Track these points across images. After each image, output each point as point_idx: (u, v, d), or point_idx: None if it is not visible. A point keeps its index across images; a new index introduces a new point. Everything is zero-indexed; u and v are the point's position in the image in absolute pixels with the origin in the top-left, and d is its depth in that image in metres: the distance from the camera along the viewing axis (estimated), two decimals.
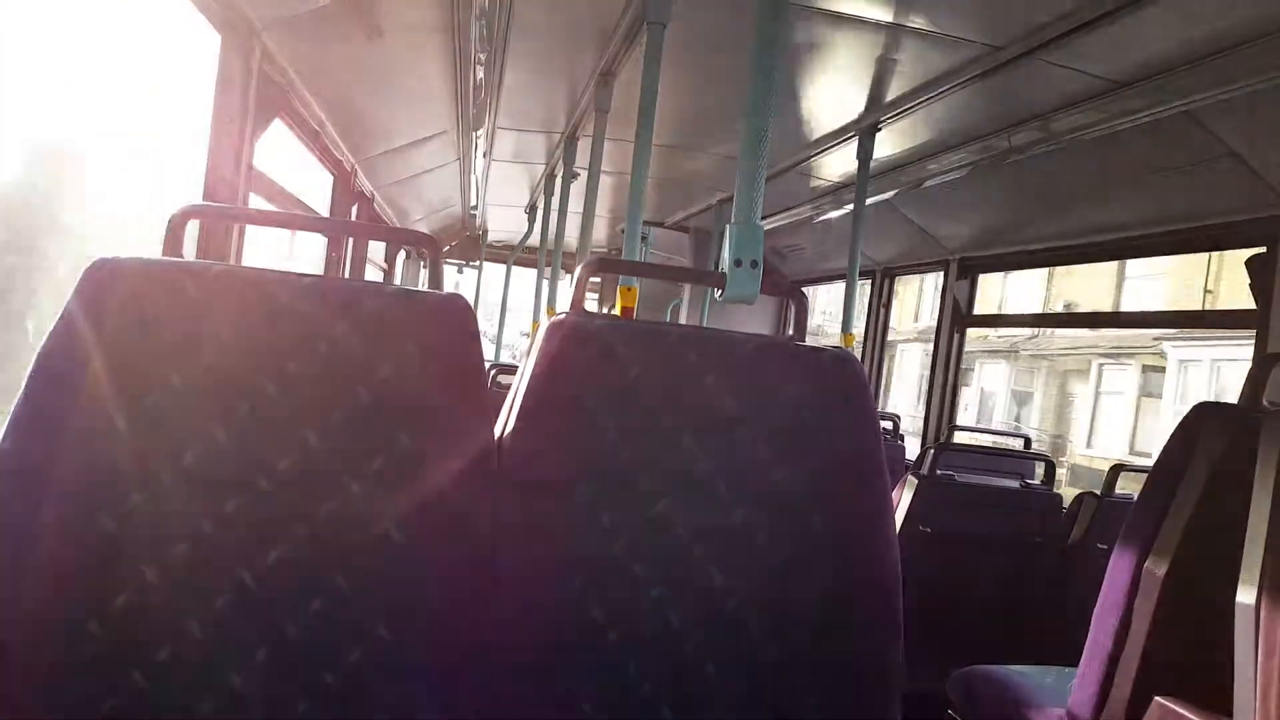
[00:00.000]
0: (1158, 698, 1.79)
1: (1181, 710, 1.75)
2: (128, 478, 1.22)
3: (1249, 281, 2.85)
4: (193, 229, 2.43)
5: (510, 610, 1.31)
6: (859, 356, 5.44)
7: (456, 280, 9.89)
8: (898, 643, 1.43)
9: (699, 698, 1.36)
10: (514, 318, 9.92)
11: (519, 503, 1.34)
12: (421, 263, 8.49)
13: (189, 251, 1.44)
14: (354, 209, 4.60)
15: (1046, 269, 16.30)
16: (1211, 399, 2.49)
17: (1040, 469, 3.48)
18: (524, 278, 8.97)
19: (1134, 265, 15.73)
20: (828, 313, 18.06)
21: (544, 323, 1.44)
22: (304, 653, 1.24)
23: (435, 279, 1.48)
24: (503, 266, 9.49)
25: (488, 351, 9.53)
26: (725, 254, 1.72)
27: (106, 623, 1.20)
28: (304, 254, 5.19)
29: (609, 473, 1.37)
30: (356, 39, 2.98)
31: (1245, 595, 1.62)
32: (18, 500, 1.19)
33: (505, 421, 1.41)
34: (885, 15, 2.64)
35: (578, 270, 1.59)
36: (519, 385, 1.42)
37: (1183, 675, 1.80)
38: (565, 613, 1.33)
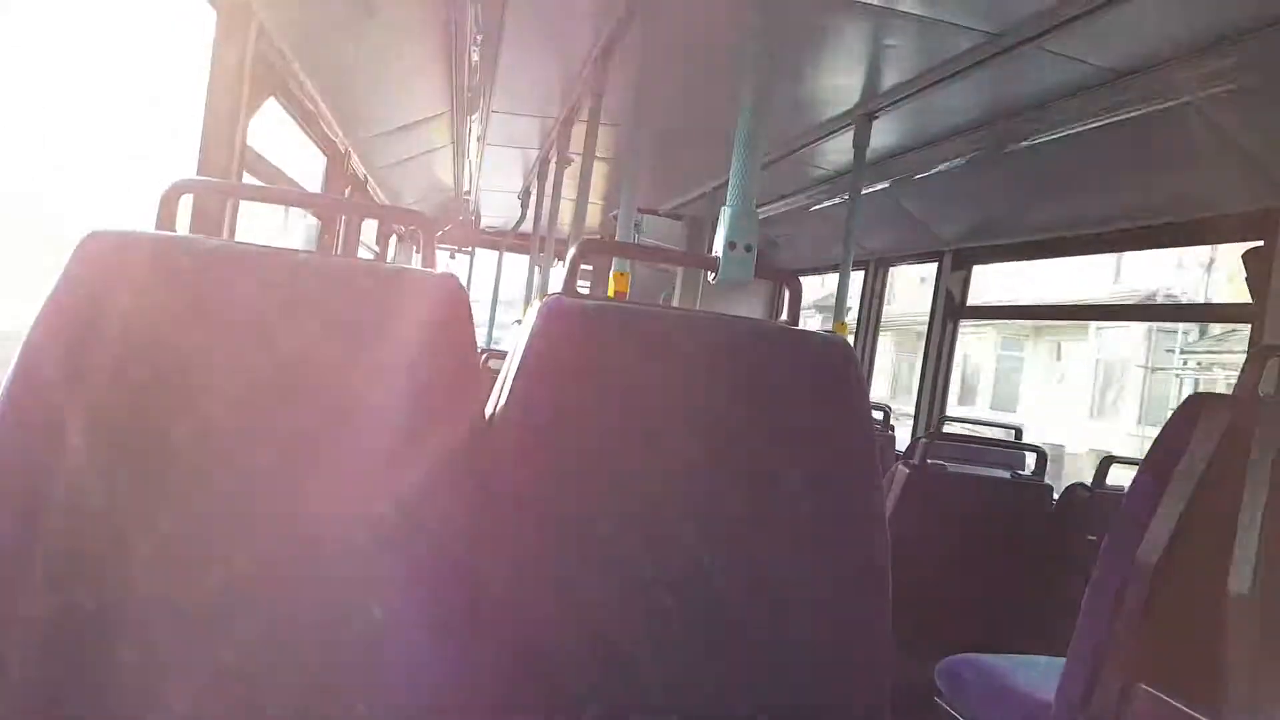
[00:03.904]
0: (1143, 685, 1.80)
1: (1166, 698, 1.76)
2: (120, 454, 1.21)
3: (1245, 275, 2.85)
4: (186, 208, 2.42)
5: (501, 587, 1.30)
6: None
7: (448, 265, 9.84)
8: (886, 629, 1.42)
9: (689, 678, 1.36)
10: (503, 309, 9.89)
11: (510, 483, 1.33)
12: (414, 246, 8.45)
13: (183, 230, 1.43)
14: (347, 192, 4.58)
15: None
16: None
17: (1031, 460, 3.48)
18: (517, 265, 8.95)
19: None
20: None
21: (535, 306, 1.43)
22: (298, 630, 1.23)
23: (428, 259, 1.47)
24: (495, 253, 9.47)
25: (480, 338, 9.52)
26: (719, 236, 1.71)
27: (96, 599, 1.18)
28: (296, 240, 5.16)
29: (599, 454, 1.37)
30: (352, 19, 2.95)
31: (1239, 585, 1.63)
32: (13, 476, 1.18)
33: (496, 402, 1.40)
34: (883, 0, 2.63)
35: (570, 253, 1.59)
36: (510, 366, 1.41)
37: (1171, 665, 1.80)
38: (557, 592, 1.32)
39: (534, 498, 1.35)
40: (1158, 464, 1.91)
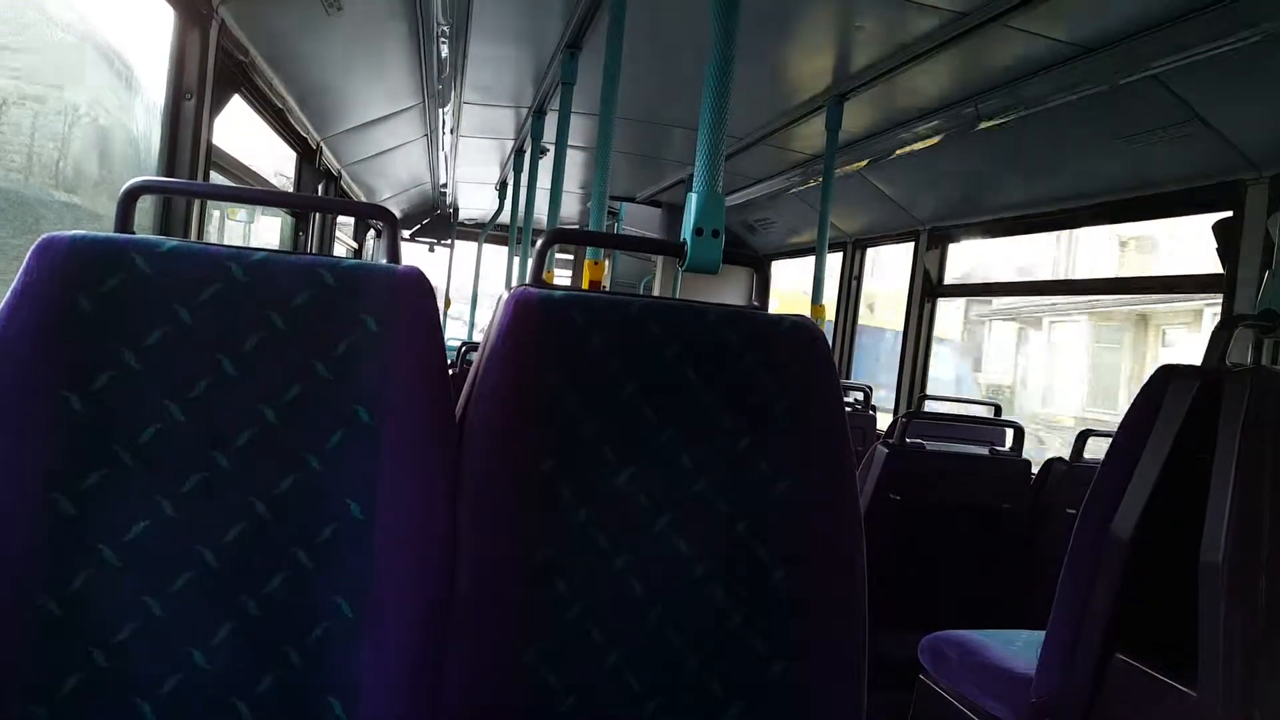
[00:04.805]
0: (1119, 654, 1.82)
1: (1142, 667, 1.78)
2: (83, 458, 1.20)
3: (1215, 246, 2.87)
4: (157, 212, 2.40)
5: (472, 584, 1.30)
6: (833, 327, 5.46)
7: (429, 259, 9.81)
8: (861, 610, 1.43)
9: (664, 666, 1.36)
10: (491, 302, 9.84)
11: (480, 477, 1.33)
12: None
13: (149, 233, 1.41)
14: (320, 188, 4.55)
15: None
16: None
17: (1010, 435, 3.50)
18: (497, 257, 8.94)
19: None
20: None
21: (505, 296, 1.42)
22: (266, 628, 1.23)
23: (392, 252, 1.46)
24: (475, 245, 9.44)
25: (461, 330, 9.51)
26: (686, 223, 1.70)
27: (65, 603, 1.18)
28: (270, 240, 5.14)
29: (571, 445, 1.36)
30: (317, 13, 2.93)
31: (1210, 553, 1.64)
32: None
33: (467, 396, 1.40)
34: None
35: (538, 243, 1.58)
36: (480, 359, 1.41)
37: (1147, 635, 1.82)
38: (528, 586, 1.32)
39: (505, 491, 1.34)
40: (1129, 435, 1.93)
